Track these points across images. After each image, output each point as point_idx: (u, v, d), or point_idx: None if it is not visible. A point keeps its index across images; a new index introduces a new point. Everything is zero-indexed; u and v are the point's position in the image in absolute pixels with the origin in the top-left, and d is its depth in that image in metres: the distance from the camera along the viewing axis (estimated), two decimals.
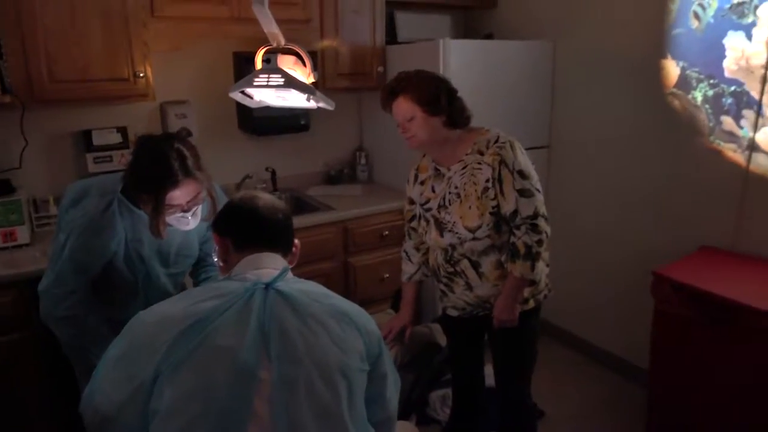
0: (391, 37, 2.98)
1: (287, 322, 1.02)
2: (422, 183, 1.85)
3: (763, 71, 2.12)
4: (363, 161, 3.23)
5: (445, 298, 1.89)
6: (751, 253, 2.25)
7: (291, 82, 1.37)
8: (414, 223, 1.91)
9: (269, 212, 1.21)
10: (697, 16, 2.28)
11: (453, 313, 1.89)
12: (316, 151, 3.20)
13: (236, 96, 1.50)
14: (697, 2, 2.28)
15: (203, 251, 1.75)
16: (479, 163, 1.70)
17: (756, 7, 2.10)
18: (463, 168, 1.73)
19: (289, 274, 1.16)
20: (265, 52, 1.47)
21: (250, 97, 1.53)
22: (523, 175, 1.67)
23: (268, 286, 1.06)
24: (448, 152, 1.75)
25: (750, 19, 2.13)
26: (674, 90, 2.42)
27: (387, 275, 2.76)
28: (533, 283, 1.77)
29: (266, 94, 1.50)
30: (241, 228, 1.20)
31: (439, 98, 1.67)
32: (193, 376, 0.95)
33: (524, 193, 1.67)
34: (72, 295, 1.49)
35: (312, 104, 1.45)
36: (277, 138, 2.99)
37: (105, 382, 1.02)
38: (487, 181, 1.68)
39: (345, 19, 2.75)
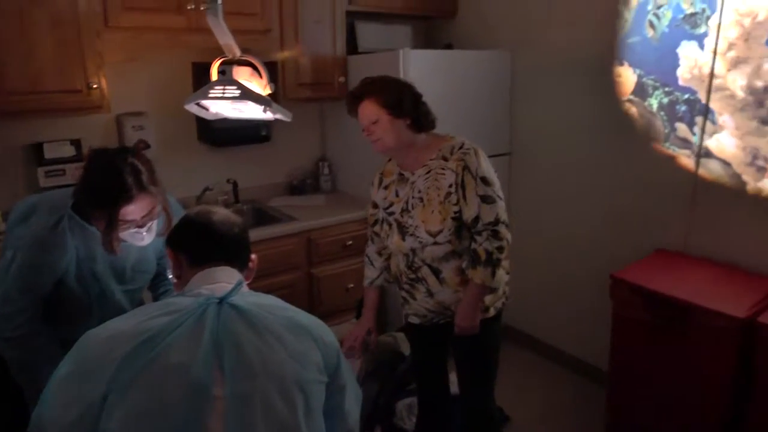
0: (353, 47, 3.00)
1: (242, 336, 1.00)
2: (386, 187, 1.87)
3: (714, 80, 2.20)
4: (326, 171, 3.23)
5: (407, 305, 1.90)
6: (701, 255, 2.34)
7: (247, 94, 1.36)
8: (377, 228, 1.92)
9: (224, 226, 1.19)
10: (652, 25, 2.35)
11: (414, 320, 1.90)
12: (279, 162, 3.17)
13: (192, 108, 1.49)
14: (652, 12, 2.35)
15: (161, 266, 1.71)
16: (443, 169, 1.72)
17: (708, 18, 2.18)
18: (427, 173, 1.75)
19: (245, 288, 1.15)
20: (220, 64, 1.46)
21: (206, 109, 1.52)
22: (486, 181, 1.70)
23: (222, 300, 1.04)
24: (412, 157, 1.78)
25: (702, 30, 2.21)
26: (631, 97, 2.49)
27: (351, 285, 2.75)
28: (492, 290, 1.79)
29: (222, 106, 1.49)
30: (195, 243, 1.18)
31: (402, 101, 1.70)
32: (144, 394, 0.92)
33: (486, 199, 1.70)
34: (21, 315, 1.43)
35: (269, 116, 1.44)
36: (238, 149, 2.95)
37: (53, 404, 0.99)
38: (450, 186, 1.70)
39: (305, 29, 2.75)
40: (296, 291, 2.64)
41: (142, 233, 1.42)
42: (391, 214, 1.83)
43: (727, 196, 2.23)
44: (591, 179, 2.73)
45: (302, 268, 2.67)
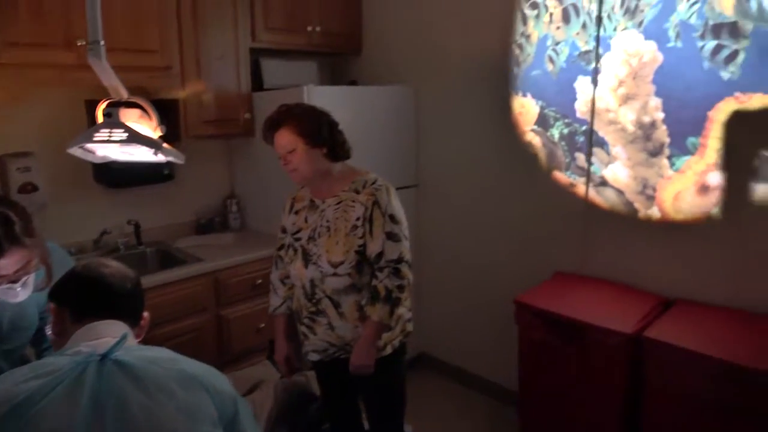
0: (258, 83, 2.98)
1: (127, 394, 0.95)
2: (297, 212, 1.87)
3: (607, 114, 2.35)
4: (234, 208, 3.15)
5: (306, 341, 1.88)
6: (596, 275, 2.49)
7: (135, 137, 1.32)
8: (282, 252, 1.91)
9: (115, 280, 1.13)
10: (551, 60, 2.50)
11: (314, 357, 1.89)
12: (184, 201, 3.06)
13: (76, 152, 1.42)
14: (551, 47, 2.50)
15: (44, 320, 1.58)
16: (353, 201, 1.75)
17: (599, 56, 2.35)
18: (338, 203, 1.76)
19: (132, 341, 1.09)
20: (106, 106, 1.40)
21: (93, 153, 1.45)
22: (393, 219, 1.74)
23: (104, 357, 0.98)
24: (326, 186, 1.79)
25: (593, 66, 2.37)
26: (535, 127, 2.62)
27: (262, 325, 2.68)
28: (389, 328, 1.80)
29: (111, 150, 1.43)
30: (82, 295, 1.11)
31: (320, 130, 1.72)
32: None
33: (392, 236, 1.72)
34: None
35: (160, 158, 1.40)
36: (139, 189, 2.83)
37: None
38: (358, 219, 1.72)
39: (209, 66, 2.71)
40: (204, 334, 2.54)
41: (15, 289, 1.30)
42: (298, 240, 1.82)
43: (620, 221, 2.39)
44: (496, 208, 2.84)
45: (210, 310, 2.57)
